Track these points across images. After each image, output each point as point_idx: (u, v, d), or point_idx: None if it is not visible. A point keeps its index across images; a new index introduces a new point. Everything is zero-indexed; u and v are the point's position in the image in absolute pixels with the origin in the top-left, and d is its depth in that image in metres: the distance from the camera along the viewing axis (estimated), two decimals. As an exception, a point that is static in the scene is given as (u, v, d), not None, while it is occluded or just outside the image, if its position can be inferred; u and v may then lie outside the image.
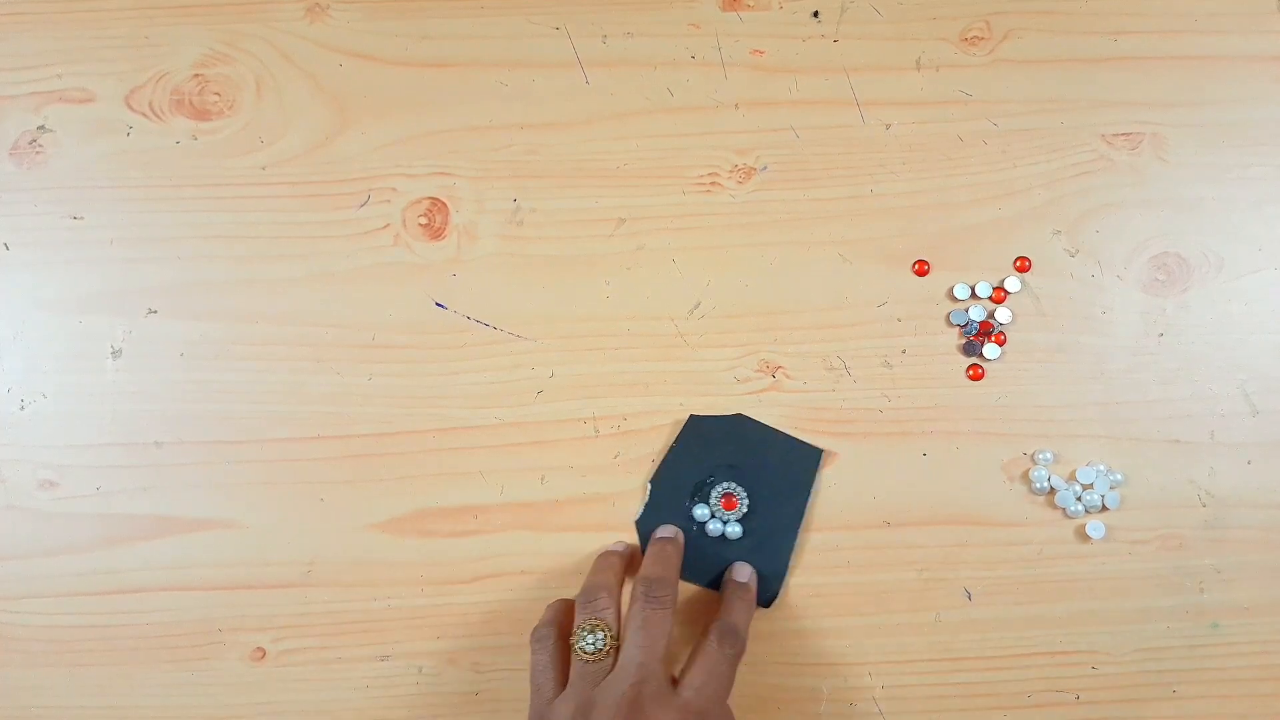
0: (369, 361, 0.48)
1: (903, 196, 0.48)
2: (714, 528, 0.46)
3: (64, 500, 0.47)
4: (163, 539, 0.47)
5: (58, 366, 0.48)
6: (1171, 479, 0.47)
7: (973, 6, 0.49)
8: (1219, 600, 0.46)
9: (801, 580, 0.47)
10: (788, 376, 0.48)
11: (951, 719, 0.46)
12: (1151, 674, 0.46)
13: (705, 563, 0.46)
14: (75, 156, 0.49)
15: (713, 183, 0.49)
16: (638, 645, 0.39)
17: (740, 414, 0.47)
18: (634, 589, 0.42)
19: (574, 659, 0.40)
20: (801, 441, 0.47)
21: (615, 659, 0.40)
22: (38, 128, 0.49)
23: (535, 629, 0.43)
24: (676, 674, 0.41)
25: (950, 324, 0.48)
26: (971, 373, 0.48)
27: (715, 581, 0.46)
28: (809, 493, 0.47)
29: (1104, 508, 0.47)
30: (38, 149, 0.49)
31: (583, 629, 0.40)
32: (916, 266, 0.48)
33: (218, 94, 0.49)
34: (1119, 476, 0.47)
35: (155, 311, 0.48)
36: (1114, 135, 0.49)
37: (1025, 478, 0.47)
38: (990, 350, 0.47)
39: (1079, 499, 0.47)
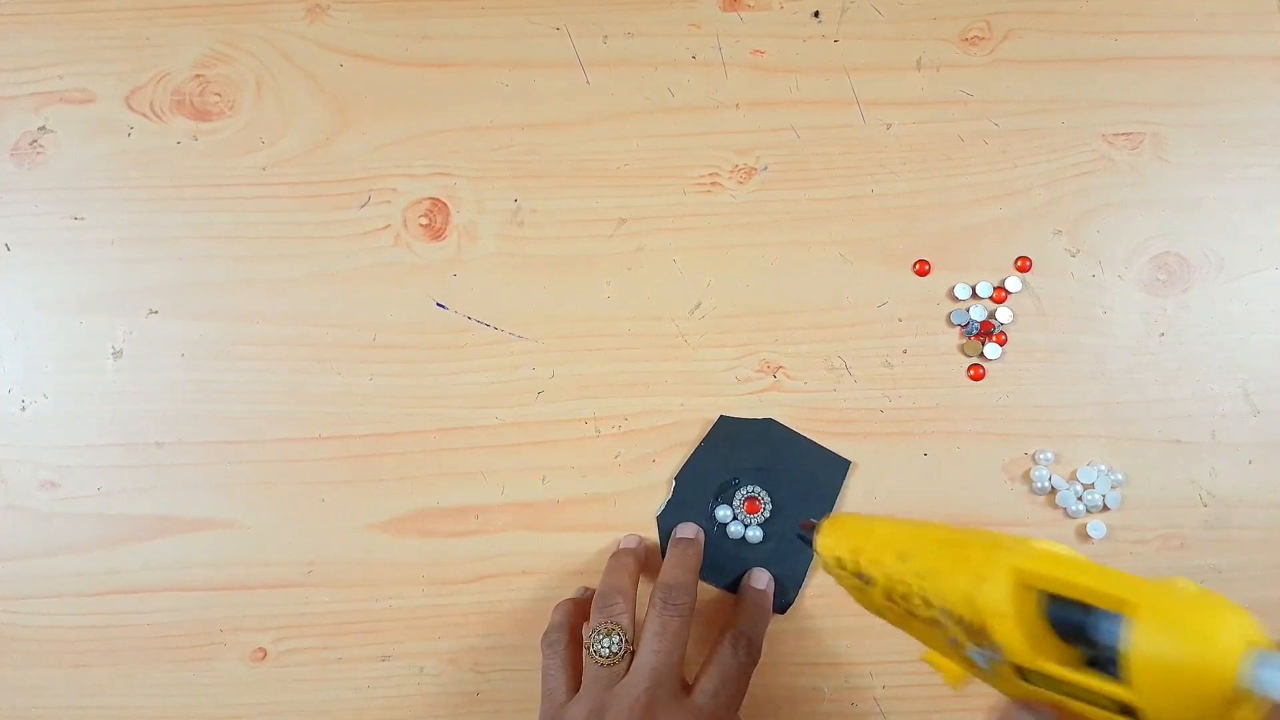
0: (369, 361, 0.48)
1: (903, 196, 0.48)
2: (735, 530, 0.46)
3: (64, 500, 0.47)
4: (163, 539, 0.47)
5: (58, 367, 0.48)
6: (1172, 479, 0.47)
7: (973, 6, 0.49)
8: (1220, 600, 0.46)
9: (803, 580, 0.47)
10: (788, 376, 0.48)
11: (952, 718, 0.46)
12: (1152, 674, 0.46)
13: (724, 564, 0.46)
14: (76, 157, 0.49)
15: (713, 183, 0.49)
16: (653, 650, 0.39)
17: (770, 418, 0.47)
18: (653, 594, 0.42)
19: (588, 661, 0.40)
20: (830, 451, 0.47)
21: (630, 662, 0.40)
22: (38, 128, 0.49)
23: (546, 632, 0.43)
24: (689, 677, 0.41)
25: (951, 324, 0.48)
26: (972, 373, 0.48)
27: (731, 583, 0.46)
28: (834, 503, 0.47)
29: (1105, 507, 0.47)
30: (38, 149, 0.49)
31: (598, 632, 0.40)
32: (917, 266, 0.48)
33: (218, 94, 0.49)
34: (1120, 476, 0.47)
35: (155, 311, 0.48)
36: (1114, 135, 0.49)
37: (1026, 478, 0.47)
38: (991, 350, 0.47)
39: (1080, 499, 0.47)
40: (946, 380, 0.48)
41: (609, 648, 0.40)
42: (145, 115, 0.49)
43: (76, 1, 0.49)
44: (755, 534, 0.46)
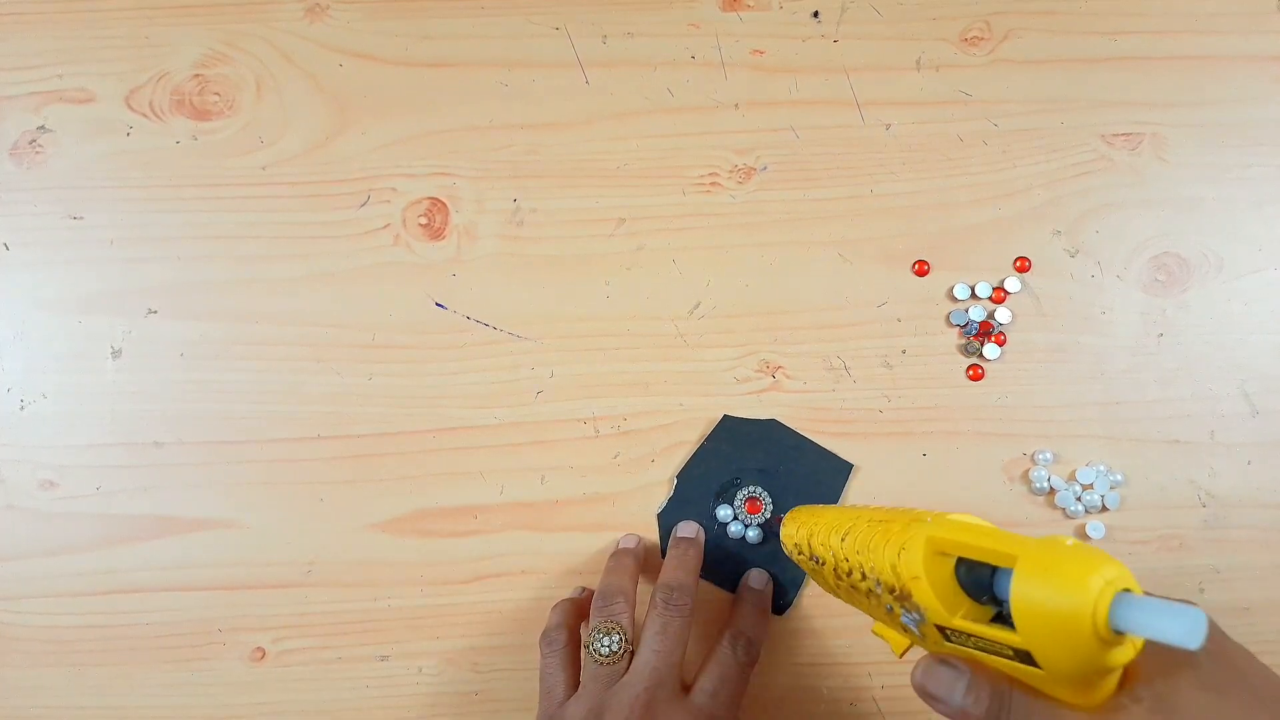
0: (369, 361, 0.48)
1: (903, 196, 0.48)
2: (735, 530, 0.46)
3: (64, 500, 0.47)
4: (163, 539, 0.47)
5: (58, 366, 0.48)
6: (1171, 479, 0.47)
7: (973, 6, 0.49)
8: (1219, 600, 0.46)
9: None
10: (788, 376, 0.48)
11: (951, 719, 0.46)
12: (1151, 674, 0.46)
13: (723, 564, 0.46)
14: (75, 156, 0.49)
15: (713, 183, 0.49)
16: (654, 650, 0.39)
17: (774, 419, 0.47)
18: (653, 594, 0.42)
19: (587, 660, 0.40)
20: (832, 453, 0.47)
21: (629, 662, 0.40)
22: (38, 128, 0.49)
23: (545, 632, 0.43)
24: (688, 677, 0.41)
25: (950, 324, 0.48)
26: (971, 373, 0.48)
27: (731, 582, 0.46)
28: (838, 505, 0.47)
29: (1104, 508, 0.47)
30: (38, 149, 0.49)
31: (598, 631, 0.40)
32: (916, 266, 0.48)
33: (218, 94, 0.49)
34: (1119, 477, 0.47)
35: (155, 311, 0.48)
36: (1114, 135, 0.49)
37: (1025, 478, 0.47)
38: (990, 350, 0.47)
39: (1079, 499, 0.47)
40: (946, 380, 0.48)
41: (609, 647, 0.40)
42: (145, 115, 0.49)
43: (76, 1, 0.49)
44: (755, 534, 0.46)
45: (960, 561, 0.29)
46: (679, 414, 0.48)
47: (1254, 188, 0.48)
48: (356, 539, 0.47)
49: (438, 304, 0.48)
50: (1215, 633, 0.29)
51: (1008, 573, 0.27)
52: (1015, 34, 0.49)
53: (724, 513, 0.46)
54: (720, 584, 0.47)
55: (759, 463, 0.47)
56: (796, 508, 0.43)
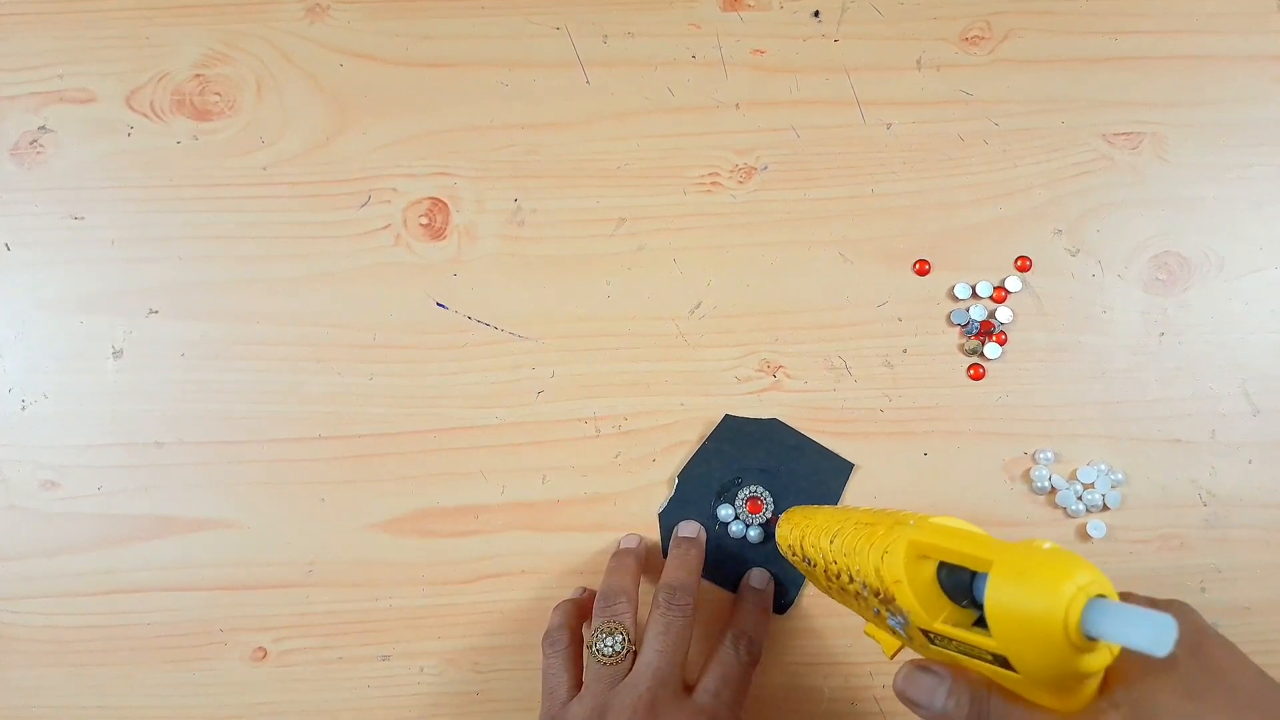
0: (369, 361, 0.48)
1: (903, 196, 0.48)
2: (736, 529, 0.46)
3: (64, 500, 0.47)
4: (163, 539, 0.47)
5: (58, 366, 0.48)
6: (1172, 478, 0.47)
7: (973, 6, 0.49)
8: (1220, 600, 0.46)
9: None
10: (788, 376, 0.48)
11: (952, 719, 0.46)
12: (1152, 674, 0.46)
13: (724, 563, 0.46)
14: (75, 156, 0.49)
15: (713, 183, 0.49)
16: (656, 650, 0.39)
17: (775, 419, 0.47)
18: (655, 595, 0.41)
19: (590, 661, 0.40)
20: (833, 453, 0.47)
21: (632, 662, 0.40)
22: (38, 128, 0.49)
23: (547, 632, 0.43)
24: (691, 677, 0.41)
25: (951, 324, 0.48)
26: (972, 372, 0.48)
27: (732, 581, 0.46)
28: (836, 505, 0.47)
29: (1105, 507, 0.47)
30: (38, 149, 0.49)
31: (601, 631, 0.40)
32: (917, 266, 0.48)
33: (218, 94, 0.49)
34: (1120, 476, 0.47)
35: (155, 311, 0.48)
36: (1114, 135, 0.49)
37: (1026, 477, 0.47)
38: (991, 350, 0.47)
39: (1080, 498, 0.47)
40: (946, 380, 0.48)
41: (612, 647, 0.40)
42: (145, 115, 0.49)
43: (76, 1, 0.49)
44: (756, 534, 0.46)
45: (942, 565, 0.29)
46: (680, 414, 0.48)
47: (1254, 187, 0.48)
48: (357, 539, 0.47)
49: (438, 304, 0.48)
50: (1198, 633, 0.29)
51: (983, 577, 0.27)
52: (1016, 34, 0.49)
53: (725, 512, 0.46)
54: (721, 584, 0.47)
55: (760, 462, 0.47)
56: (791, 509, 0.43)
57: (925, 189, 0.49)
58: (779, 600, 0.46)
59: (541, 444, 0.47)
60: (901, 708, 0.46)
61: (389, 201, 0.48)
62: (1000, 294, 0.48)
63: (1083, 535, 0.47)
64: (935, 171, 0.49)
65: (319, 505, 0.47)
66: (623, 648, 0.40)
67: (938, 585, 0.29)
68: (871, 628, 0.35)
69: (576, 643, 0.42)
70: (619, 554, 0.45)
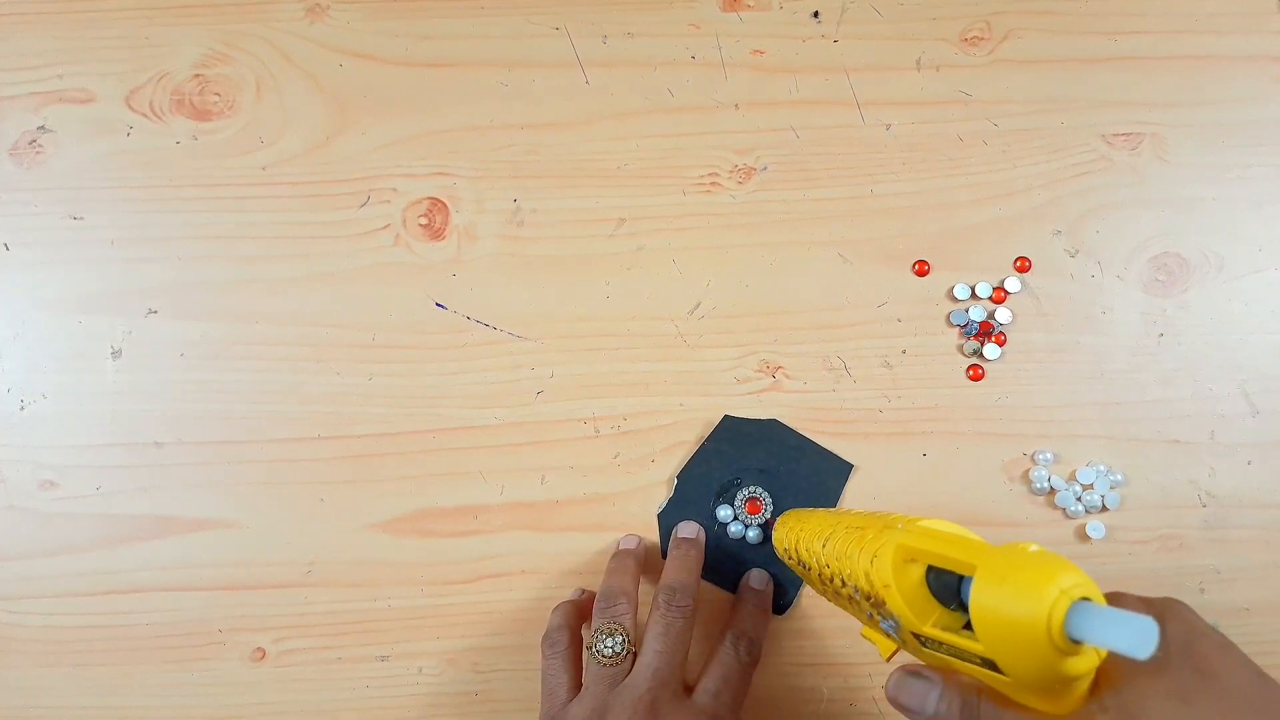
0: (369, 361, 0.48)
1: (903, 196, 0.48)
2: (735, 530, 0.46)
3: (64, 500, 0.47)
4: (163, 539, 0.47)
5: (58, 366, 0.48)
6: (1171, 479, 0.47)
7: (973, 6, 0.49)
8: (1219, 600, 0.46)
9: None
10: (788, 376, 0.48)
11: None
12: (1151, 674, 0.46)
13: (723, 564, 0.46)
14: (75, 156, 0.49)
15: (713, 183, 0.49)
16: (656, 651, 0.39)
17: (775, 419, 0.47)
18: (655, 596, 0.41)
19: (590, 661, 0.40)
20: (832, 454, 0.47)
21: (632, 663, 0.40)
22: (38, 128, 0.49)
23: (547, 633, 0.43)
24: (690, 678, 0.41)
25: (950, 324, 0.48)
26: (971, 373, 0.48)
27: (731, 582, 0.46)
28: (835, 506, 0.47)
29: (1104, 508, 0.47)
30: (38, 149, 0.49)
31: (601, 632, 0.40)
32: (916, 266, 0.48)
33: (218, 94, 0.49)
34: (1119, 476, 0.47)
35: (155, 311, 0.48)
36: (1114, 135, 0.49)
37: (1025, 478, 0.47)
38: (990, 350, 0.47)
39: (1079, 499, 0.47)
40: (946, 380, 0.48)
41: (612, 648, 0.40)
42: (145, 115, 0.49)
43: (76, 1, 0.49)
44: (755, 534, 0.46)
45: (931, 568, 0.29)
46: (679, 414, 0.48)
47: (1254, 188, 0.48)
48: (356, 539, 0.47)
49: (438, 304, 0.48)
50: (1191, 633, 0.29)
51: (969, 580, 0.27)
52: (1015, 34, 0.49)
53: (724, 513, 0.46)
54: (720, 584, 0.47)
55: (759, 463, 0.47)
56: (786, 512, 0.43)
57: (925, 189, 0.49)
58: (778, 601, 0.46)
59: (541, 444, 0.47)
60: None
61: (389, 201, 0.48)
62: (1000, 295, 0.48)
63: (1082, 536, 0.47)
64: (935, 172, 0.49)
65: (319, 505, 0.47)
66: (623, 648, 0.40)
67: (926, 589, 0.29)
68: (868, 630, 0.35)
69: (576, 644, 0.42)
70: (618, 555, 0.45)
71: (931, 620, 0.29)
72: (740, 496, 0.47)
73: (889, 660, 0.33)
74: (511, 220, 0.49)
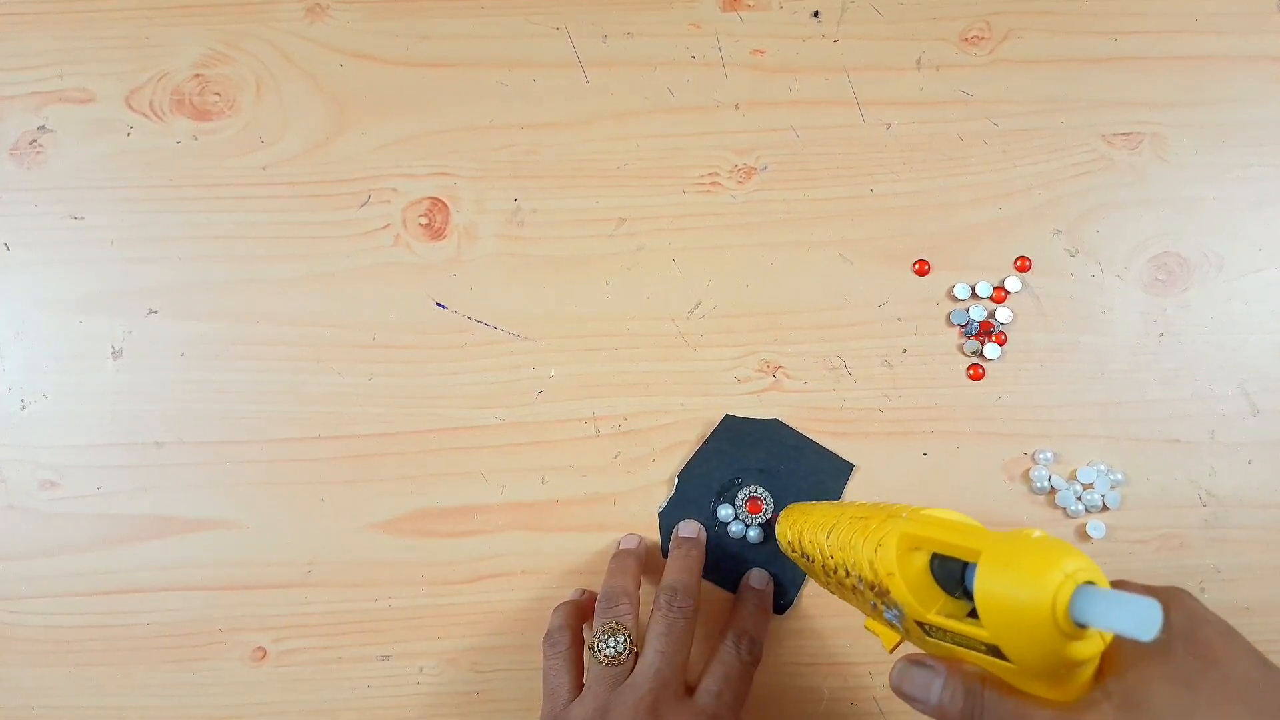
0: (369, 361, 0.48)
1: (903, 196, 0.48)
2: (736, 529, 0.46)
3: (64, 500, 0.47)
4: (163, 539, 0.47)
5: (58, 366, 0.48)
6: (1172, 479, 0.47)
7: (973, 6, 0.49)
8: (1219, 600, 0.46)
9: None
10: (788, 376, 0.48)
11: (952, 719, 0.46)
12: (1152, 674, 0.46)
13: (724, 563, 0.46)
14: (75, 156, 0.49)
15: (713, 183, 0.49)
16: (658, 651, 0.39)
17: (776, 419, 0.47)
18: (657, 597, 0.42)
19: (591, 661, 0.40)
20: (833, 454, 0.47)
21: (634, 663, 0.40)
22: (38, 128, 0.49)
23: (548, 634, 0.43)
24: (691, 678, 0.41)
25: (950, 324, 0.48)
26: (972, 372, 0.48)
27: (731, 581, 0.46)
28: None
29: (1104, 507, 0.47)
30: (38, 149, 0.49)
31: (603, 632, 0.40)
32: (917, 266, 0.48)
33: (218, 94, 0.49)
34: (1119, 476, 0.47)
35: (155, 311, 0.48)
36: (1114, 135, 0.49)
37: (1026, 477, 0.47)
38: (990, 350, 0.47)
39: (1079, 499, 0.47)
40: (946, 380, 0.48)
41: (614, 648, 0.40)
42: (145, 115, 0.49)
43: (76, 1, 0.49)
44: (756, 534, 0.46)
45: (935, 556, 0.29)
46: (679, 414, 0.48)
47: (1254, 188, 0.48)
48: (357, 539, 0.47)
49: (438, 304, 0.48)
50: (1193, 620, 0.29)
51: (976, 567, 0.27)
52: (1015, 34, 0.49)
53: (725, 512, 0.46)
54: (721, 584, 0.47)
55: (760, 462, 0.47)
56: (790, 505, 0.43)
57: (925, 189, 0.49)
58: (778, 600, 0.46)
59: (541, 444, 0.47)
60: (901, 707, 0.46)
61: (389, 201, 0.48)
62: (1000, 294, 0.48)
63: (1082, 535, 0.47)
64: (935, 171, 0.49)
65: (319, 505, 0.47)
66: (625, 649, 0.40)
67: (930, 577, 0.29)
68: (871, 622, 0.35)
69: (577, 644, 0.42)
70: (619, 555, 0.45)
71: (936, 608, 0.29)
72: (741, 496, 0.47)
73: (892, 652, 0.33)
74: (512, 220, 0.49)
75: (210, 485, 0.47)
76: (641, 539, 0.47)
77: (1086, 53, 0.49)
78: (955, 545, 0.28)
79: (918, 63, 0.49)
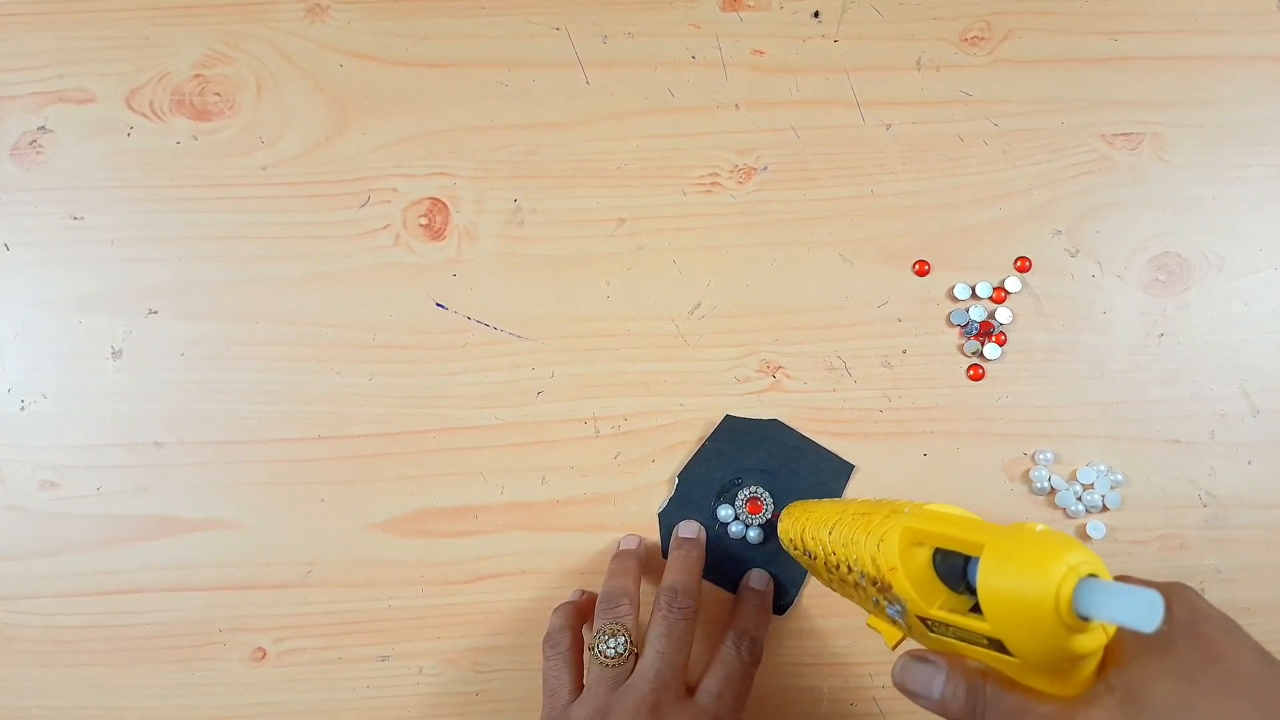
0: (369, 361, 0.48)
1: (903, 196, 0.48)
2: (736, 530, 0.46)
3: (64, 500, 0.47)
4: (163, 539, 0.47)
5: (58, 366, 0.48)
6: (1172, 479, 0.47)
7: (973, 6, 0.49)
8: (1219, 600, 0.46)
9: (802, 580, 0.47)
10: (788, 376, 0.48)
11: (952, 719, 0.46)
12: (1152, 674, 0.46)
13: (724, 563, 0.46)
14: (75, 156, 0.49)
15: (713, 183, 0.49)
16: (658, 652, 0.39)
17: (776, 419, 0.47)
18: (657, 598, 0.42)
19: (592, 662, 0.40)
20: (834, 455, 0.47)
21: (634, 664, 0.40)
22: (38, 128, 0.49)
23: (548, 634, 0.43)
24: (691, 679, 0.41)
25: (950, 324, 0.48)
26: (972, 373, 0.48)
27: (731, 582, 0.46)
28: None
29: (1104, 508, 0.47)
30: (38, 149, 0.49)
31: (603, 633, 0.40)
32: (917, 266, 0.48)
33: (218, 94, 0.49)
34: (1119, 476, 0.47)
35: (155, 311, 0.48)
36: (1114, 135, 0.49)
37: (1026, 478, 0.47)
38: (991, 350, 0.47)
39: (1079, 499, 0.47)
40: (946, 380, 0.48)
41: (614, 649, 0.40)
42: (145, 115, 0.49)
43: (76, 1, 0.49)
44: (756, 534, 0.46)
45: (937, 552, 0.29)
46: (679, 414, 0.48)
47: (1254, 188, 0.48)
48: (356, 539, 0.47)
49: (438, 304, 0.48)
50: (1195, 615, 0.29)
51: (978, 561, 0.27)
52: (1015, 34, 0.49)
53: (725, 512, 0.46)
54: (720, 584, 0.47)
55: (761, 463, 0.47)
56: (793, 503, 0.43)
57: (925, 189, 0.49)
58: (778, 601, 0.46)
59: (541, 444, 0.47)
60: (900, 708, 0.46)
61: (389, 201, 0.48)
62: (1000, 294, 0.48)
63: (1082, 536, 0.47)
64: (935, 172, 0.49)
65: (319, 505, 0.47)
66: (625, 649, 0.40)
67: (933, 571, 0.29)
68: (873, 619, 0.35)
69: (577, 645, 0.42)
70: (620, 555, 0.45)
71: (938, 603, 0.29)
72: (741, 496, 0.46)
73: (894, 649, 0.33)
74: (511, 220, 0.49)
75: (210, 485, 0.47)
76: (641, 539, 0.47)
77: (1086, 53, 0.49)
78: (958, 539, 0.28)
79: (918, 63, 0.49)
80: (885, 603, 0.31)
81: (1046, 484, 0.47)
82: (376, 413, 0.48)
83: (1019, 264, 0.48)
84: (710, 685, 0.39)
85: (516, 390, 0.48)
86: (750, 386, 0.48)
